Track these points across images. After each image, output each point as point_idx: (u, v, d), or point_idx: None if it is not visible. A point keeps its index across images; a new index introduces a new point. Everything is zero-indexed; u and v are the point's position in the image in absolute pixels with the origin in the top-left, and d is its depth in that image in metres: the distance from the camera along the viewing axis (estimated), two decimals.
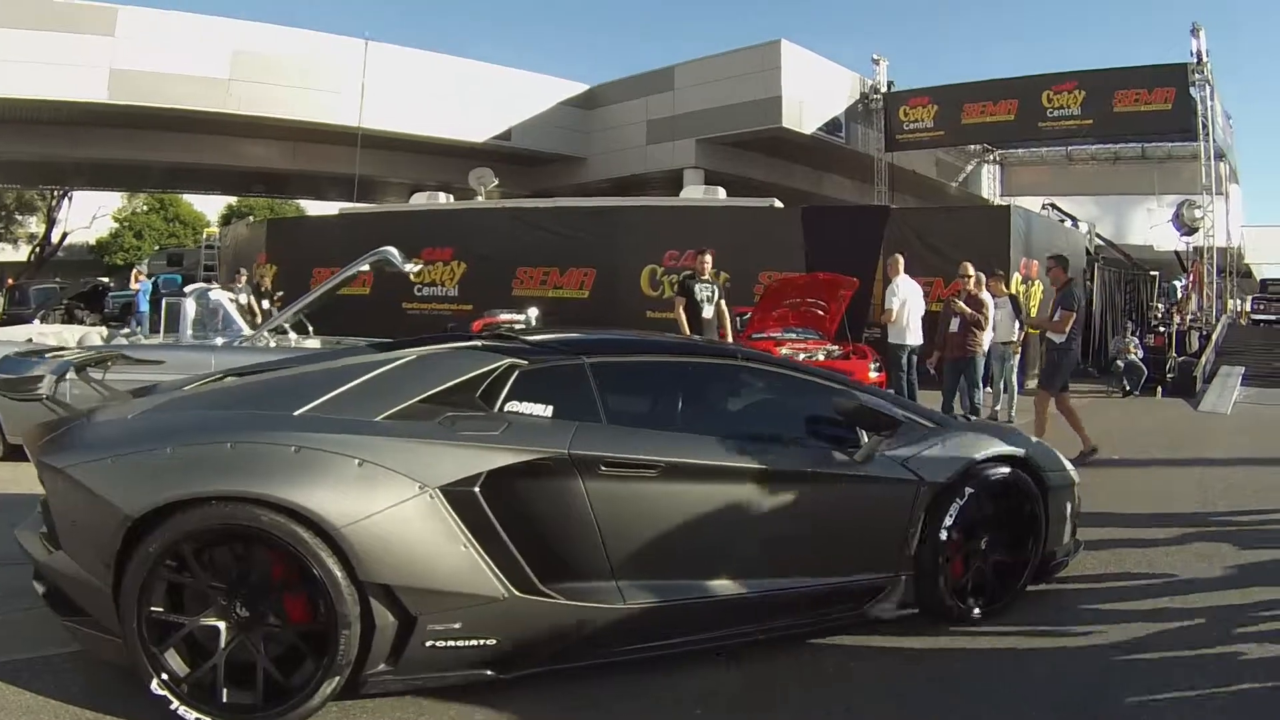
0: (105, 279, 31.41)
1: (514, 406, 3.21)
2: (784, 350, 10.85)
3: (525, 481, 2.95)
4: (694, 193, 20.36)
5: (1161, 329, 16.50)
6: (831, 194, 30.10)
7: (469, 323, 14.17)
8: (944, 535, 3.58)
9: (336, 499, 2.70)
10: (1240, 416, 12.14)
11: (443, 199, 21.57)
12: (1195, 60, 21.63)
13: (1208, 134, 21.68)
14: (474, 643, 2.87)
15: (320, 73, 23.30)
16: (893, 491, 3.55)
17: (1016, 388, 11.00)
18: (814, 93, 25.46)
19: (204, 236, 29.35)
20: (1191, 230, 21.94)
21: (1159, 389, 13.98)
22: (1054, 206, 21.06)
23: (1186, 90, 21.79)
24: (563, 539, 3.03)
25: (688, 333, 8.76)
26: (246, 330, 8.60)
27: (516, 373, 3.26)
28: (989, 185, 33.53)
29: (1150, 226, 26.79)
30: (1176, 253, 22.85)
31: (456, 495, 2.82)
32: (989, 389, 10.84)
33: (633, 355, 3.82)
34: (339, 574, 2.67)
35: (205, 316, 8.46)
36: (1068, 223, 19.98)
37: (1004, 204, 23.63)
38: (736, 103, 25.00)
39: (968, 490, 3.63)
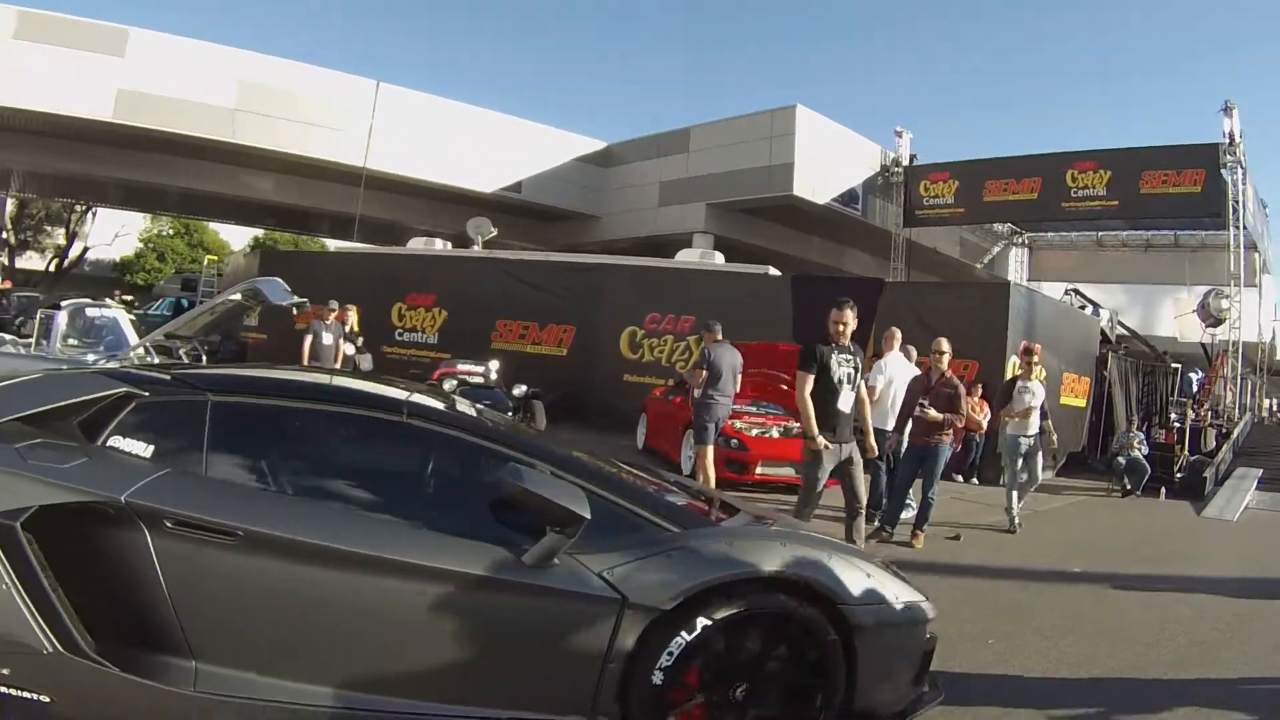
0: (129, 296, 31.94)
1: (118, 441, 2.89)
2: (737, 424, 9.95)
3: (79, 527, 2.62)
4: (690, 255, 19.66)
5: (1176, 424, 15.38)
6: (851, 268, 29.21)
7: (432, 370, 13.61)
8: (658, 678, 2.78)
9: None
10: (1247, 525, 10.96)
11: (439, 245, 21.17)
12: (1227, 141, 20.68)
13: (1238, 219, 20.61)
14: (27, 695, 2.56)
15: (328, 110, 23.21)
16: (580, 610, 2.78)
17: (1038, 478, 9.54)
18: (830, 162, 24.71)
19: (205, 264, 30.06)
20: (1217, 322, 20.79)
21: (1163, 490, 12.81)
22: (1076, 292, 20.13)
23: (1217, 172, 20.81)
24: (124, 600, 2.64)
25: (813, 426, 5.98)
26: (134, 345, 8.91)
27: (133, 404, 2.96)
28: (1015, 269, 32.36)
29: (1175, 316, 25.56)
30: (1202, 345, 21.65)
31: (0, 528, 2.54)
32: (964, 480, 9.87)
33: (273, 398, 3.24)
34: None
35: (84, 331, 8.94)
36: (1088, 308, 18.99)
37: (1004, 281, 22.62)
38: (748, 167, 24.34)
39: (700, 621, 2.81)
